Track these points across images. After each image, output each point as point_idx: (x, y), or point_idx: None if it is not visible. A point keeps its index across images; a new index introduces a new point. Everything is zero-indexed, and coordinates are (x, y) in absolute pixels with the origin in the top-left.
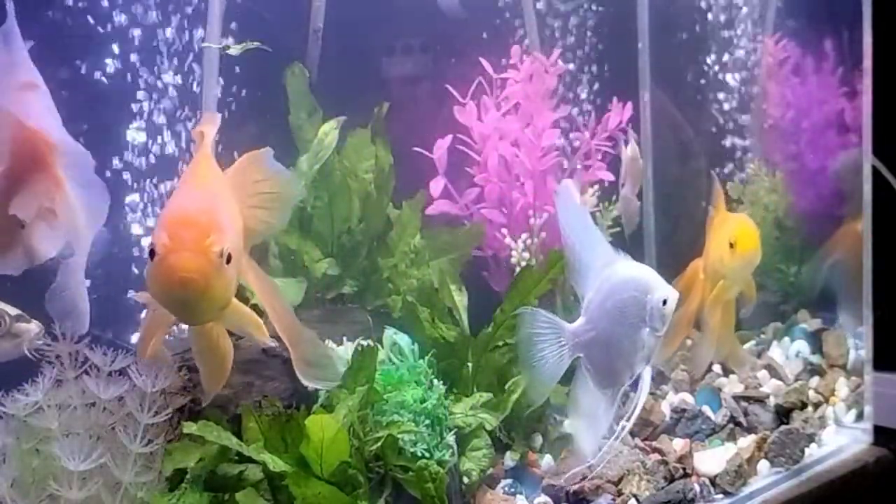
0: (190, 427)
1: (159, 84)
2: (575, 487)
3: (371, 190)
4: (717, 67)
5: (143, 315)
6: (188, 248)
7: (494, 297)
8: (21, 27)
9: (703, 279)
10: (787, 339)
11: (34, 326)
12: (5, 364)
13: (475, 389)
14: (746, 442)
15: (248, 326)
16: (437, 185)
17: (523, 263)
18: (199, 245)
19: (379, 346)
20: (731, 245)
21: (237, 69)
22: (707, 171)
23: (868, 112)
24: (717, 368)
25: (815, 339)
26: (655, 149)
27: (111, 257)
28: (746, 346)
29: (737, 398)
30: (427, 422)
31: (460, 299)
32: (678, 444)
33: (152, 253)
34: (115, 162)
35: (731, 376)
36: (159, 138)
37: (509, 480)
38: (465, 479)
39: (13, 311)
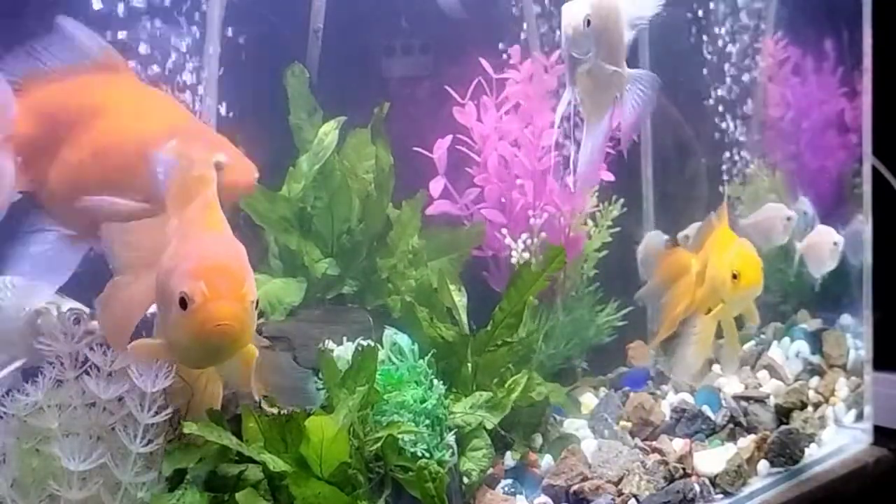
0: (190, 427)
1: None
2: (575, 487)
3: (371, 190)
4: (716, 66)
5: None
6: (226, 296)
7: (495, 297)
8: None
9: (694, 283)
10: (787, 339)
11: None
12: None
13: (475, 389)
14: (746, 442)
15: (239, 375)
16: (437, 185)
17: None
18: (237, 294)
19: (379, 346)
20: (735, 276)
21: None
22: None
23: (868, 112)
24: (716, 368)
25: (815, 339)
26: (655, 148)
27: None
28: (746, 346)
29: (737, 398)
30: (427, 422)
31: (460, 299)
32: (678, 444)
33: (183, 301)
34: None
35: (731, 376)
36: None
37: (509, 480)
38: (465, 479)
39: (88, 308)
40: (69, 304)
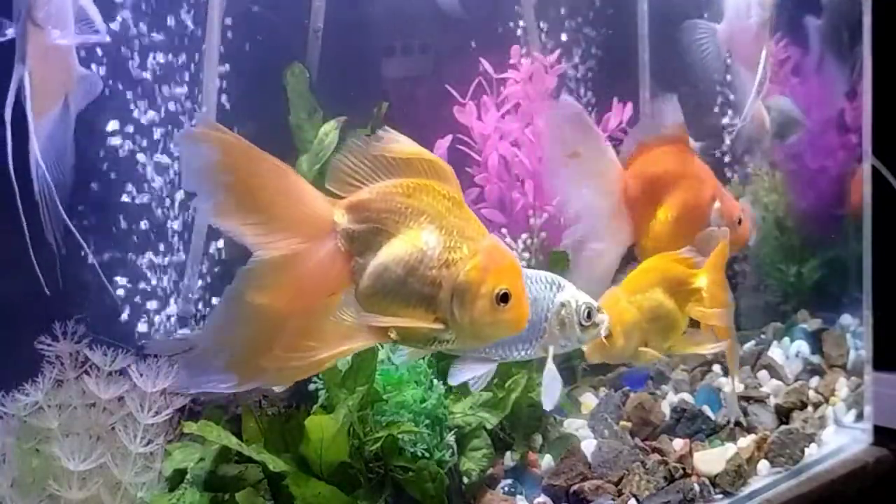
0: (190, 427)
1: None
2: (575, 487)
3: None
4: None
5: None
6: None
7: None
8: None
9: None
10: (787, 339)
11: (606, 317)
12: (5, 364)
13: None
14: (746, 442)
15: None
16: None
17: (523, 264)
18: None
19: (379, 346)
20: None
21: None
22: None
23: (868, 112)
24: (716, 368)
25: (815, 339)
26: None
27: None
28: (747, 346)
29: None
30: (427, 422)
31: None
32: (678, 444)
33: (505, 297)
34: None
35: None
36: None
37: (509, 480)
38: (465, 479)
39: (595, 302)
40: (584, 298)
